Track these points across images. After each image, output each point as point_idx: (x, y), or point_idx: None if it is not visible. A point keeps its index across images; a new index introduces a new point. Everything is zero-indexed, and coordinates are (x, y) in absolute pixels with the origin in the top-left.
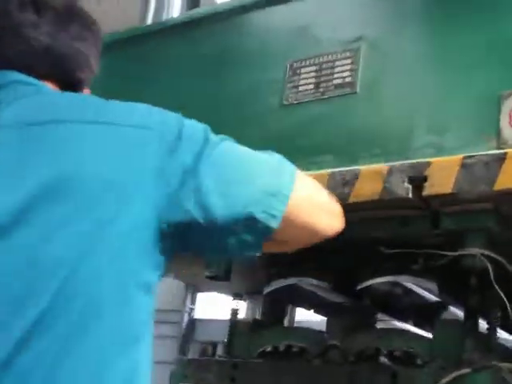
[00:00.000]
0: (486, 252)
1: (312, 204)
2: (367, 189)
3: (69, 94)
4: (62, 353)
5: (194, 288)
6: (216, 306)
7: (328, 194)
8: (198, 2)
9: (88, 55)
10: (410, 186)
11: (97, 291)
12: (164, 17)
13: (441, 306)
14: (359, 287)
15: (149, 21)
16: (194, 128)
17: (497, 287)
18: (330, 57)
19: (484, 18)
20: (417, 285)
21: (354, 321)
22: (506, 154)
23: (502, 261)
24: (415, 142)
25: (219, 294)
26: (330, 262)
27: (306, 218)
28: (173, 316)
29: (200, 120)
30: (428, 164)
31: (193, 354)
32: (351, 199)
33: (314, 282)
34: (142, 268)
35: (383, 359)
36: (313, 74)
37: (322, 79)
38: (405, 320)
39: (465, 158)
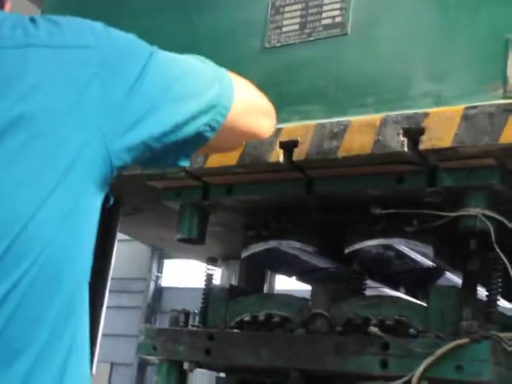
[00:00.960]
0: (488, 212)
1: (249, 110)
2: (358, 142)
3: None
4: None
5: (160, 254)
6: (186, 274)
7: (260, 94)
8: None
9: None
10: (406, 139)
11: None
12: None
13: (436, 272)
14: (347, 251)
15: None
16: (138, 44)
17: (499, 250)
18: None
19: None
20: (411, 248)
21: (342, 287)
22: None
23: (505, 222)
24: (412, 91)
25: (189, 261)
26: (316, 222)
27: (242, 124)
28: (137, 285)
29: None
30: (426, 115)
31: (160, 325)
32: (340, 153)
33: (297, 245)
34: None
35: (373, 329)
36: (298, 14)
37: (309, 19)
38: (396, 287)
39: (467, 108)
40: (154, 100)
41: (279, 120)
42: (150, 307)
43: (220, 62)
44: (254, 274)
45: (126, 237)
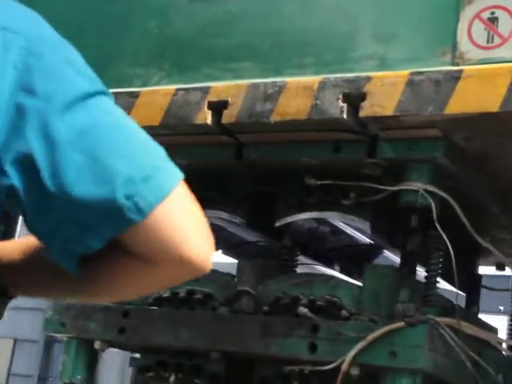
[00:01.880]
0: (431, 188)
1: (188, 217)
2: (293, 106)
3: None
4: None
5: None
6: None
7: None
8: None
9: None
10: (345, 105)
11: None
12: None
13: (374, 250)
14: (278, 224)
15: None
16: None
17: (439, 229)
18: None
19: None
20: (347, 223)
21: (271, 264)
22: (461, 71)
23: (447, 198)
24: (355, 52)
25: None
26: (245, 192)
27: (175, 229)
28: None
29: (87, 16)
30: (368, 79)
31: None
32: (273, 117)
33: (224, 215)
34: None
35: (302, 309)
36: None
37: None
38: (331, 264)
39: (412, 74)
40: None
41: (207, 77)
42: None
43: (143, 12)
44: None
45: None
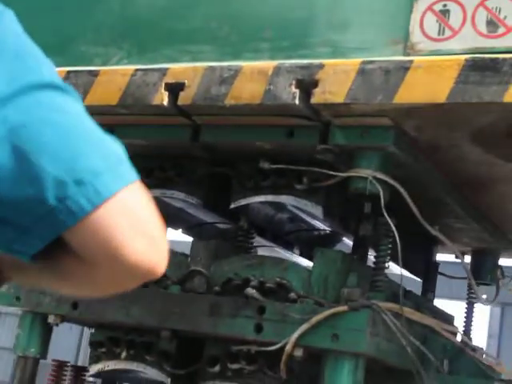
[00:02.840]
0: (380, 175)
1: (128, 218)
2: (247, 90)
3: None
4: None
5: None
6: None
7: (155, 217)
8: None
9: None
10: (297, 91)
11: None
12: None
13: (335, 237)
14: (233, 206)
15: None
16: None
17: (386, 215)
18: None
19: None
20: (300, 208)
21: (225, 244)
22: (411, 62)
23: (396, 186)
24: (310, 39)
25: None
26: (202, 174)
27: (109, 232)
28: None
29: None
30: (321, 66)
31: None
32: (228, 101)
33: (181, 195)
34: None
35: (250, 290)
36: None
37: None
38: (290, 248)
39: (364, 62)
40: None
41: (166, 58)
42: None
43: None
44: None
45: None
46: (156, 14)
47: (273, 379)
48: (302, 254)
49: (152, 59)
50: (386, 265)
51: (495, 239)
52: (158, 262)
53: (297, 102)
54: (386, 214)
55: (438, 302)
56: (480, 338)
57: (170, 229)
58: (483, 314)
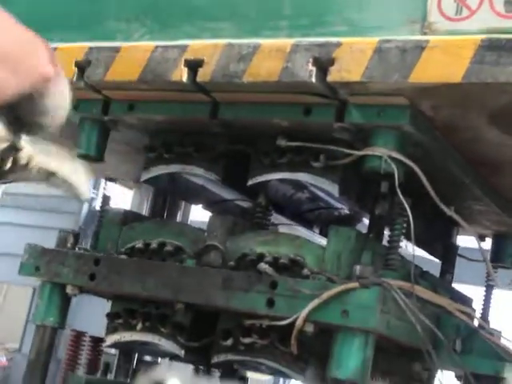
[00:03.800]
0: (395, 154)
1: None
2: (265, 67)
3: None
4: None
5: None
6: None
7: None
8: None
9: None
10: (314, 69)
11: None
12: None
13: (353, 218)
14: (251, 182)
15: None
16: None
17: (400, 194)
18: None
19: None
20: (317, 185)
21: (241, 220)
22: (428, 41)
23: (412, 166)
24: (328, 17)
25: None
26: (221, 151)
27: None
28: (69, 205)
29: None
30: (338, 45)
31: None
32: (246, 78)
33: (200, 171)
34: None
35: (263, 266)
36: None
37: None
38: (310, 226)
39: (381, 41)
40: None
41: (187, 35)
42: (82, 231)
43: None
44: (165, 201)
45: None
46: None
47: (284, 354)
48: (321, 233)
49: (173, 36)
50: (401, 244)
51: None
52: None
53: (313, 79)
54: (399, 193)
55: (466, 288)
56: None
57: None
58: None
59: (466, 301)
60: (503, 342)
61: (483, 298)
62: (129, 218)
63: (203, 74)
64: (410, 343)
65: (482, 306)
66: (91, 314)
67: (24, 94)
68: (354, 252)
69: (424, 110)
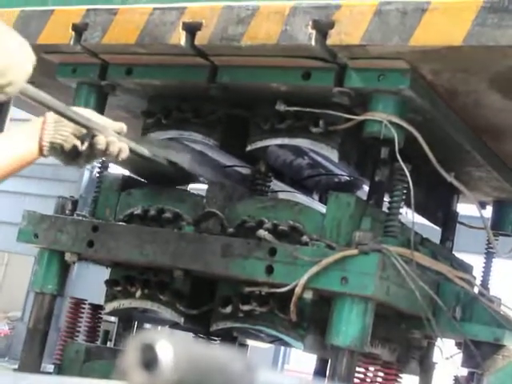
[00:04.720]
0: (395, 119)
1: None
2: (264, 30)
3: None
4: None
5: None
6: None
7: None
8: None
9: None
10: (314, 32)
11: None
12: None
13: (353, 184)
14: (249, 148)
15: None
16: None
17: (400, 160)
18: None
19: None
20: (316, 151)
21: (242, 188)
22: (429, 3)
23: (411, 131)
24: None
25: None
26: (219, 116)
27: None
28: (70, 173)
29: None
30: (337, 7)
31: None
32: (244, 41)
33: (198, 137)
34: None
35: (262, 232)
36: None
37: None
38: (309, 193)
39: (381, 3)
40: None
41: None
42: (82, 199)
43: None
44: None
45: None
46: None
47: (283, 321)
48: (320, 200)
49: None
50: (401, 211)
51: None
52: None
53: (313, 42)
54: (400, 159)
55: (468, 257)
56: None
57: None
58: None
59: (466, 268)
60: (503, 309)
61: (483, 265)
62: (127, 183)
63: (201, 37)
64: (410, 310)
65: (482, 274)
66: (91, 283)
67: None
68: (354, 218)
69: (424, 74)
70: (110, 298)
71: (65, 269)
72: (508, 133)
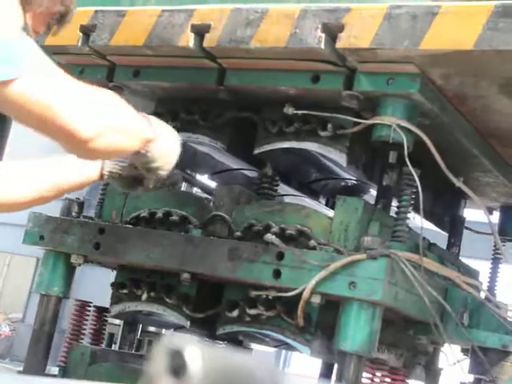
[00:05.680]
0: (404, 123)
1: (61, 93)
2: (273, 33)
3: None
4: None
5: None
6: None
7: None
8: None
9: None
10: (323, 35)
11: None
12: None
13: (360, 188)
14: (257, 151)
15: None
16: None
17: (410, 165)
18: None
19: None
20: (324, 155)
21: (247, 190)
22: (439, 7)
23: (420, 135)
24: None
25: None
26: (228, 118)
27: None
28: None
29: None
30: (347, 10)
31: None
32: (253, 43)
33: (206, 140)
34: None
35: (269, 236)
36: None
37: None
38: (316, 197)
39: (391, 7)
40: None
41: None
42: (86, 201)
43: None
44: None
45: None
46: None
47: (290, 325)
48: (327, 204)
49: (179, 0)
50: (409, 215)
51: None
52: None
53: (322, 46)
54: (409, 164)
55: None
56: None
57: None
58: None
59: (472, 274)
60: (510, 315)
61: (490, 271)
62: None
63: (210, 40)
64: (418, 316)
65: (488, 280)
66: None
67: (136, 152)
68: (362, 223)
69: (434, 78)
70: (115, 300)
71: (70, 271)
72: None
